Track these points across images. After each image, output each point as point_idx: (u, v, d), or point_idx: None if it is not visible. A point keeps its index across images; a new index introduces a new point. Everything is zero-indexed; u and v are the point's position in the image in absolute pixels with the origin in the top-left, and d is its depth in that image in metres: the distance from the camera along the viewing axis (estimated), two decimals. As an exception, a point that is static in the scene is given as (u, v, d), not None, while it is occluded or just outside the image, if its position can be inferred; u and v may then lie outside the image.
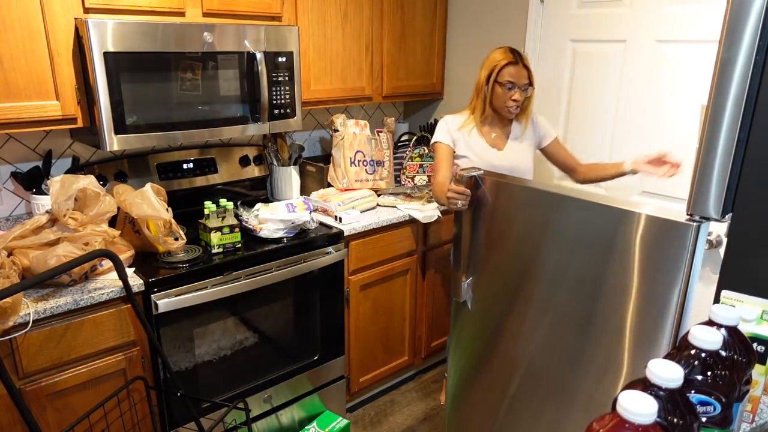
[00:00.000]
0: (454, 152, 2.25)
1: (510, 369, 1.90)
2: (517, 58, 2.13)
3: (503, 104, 2.15)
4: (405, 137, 3.00)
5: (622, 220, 1.52)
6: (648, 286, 1.50)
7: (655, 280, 1.48)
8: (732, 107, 1.31)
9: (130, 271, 1.89)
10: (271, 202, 2.45)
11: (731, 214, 1.36)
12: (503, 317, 1.88)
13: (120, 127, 1.91)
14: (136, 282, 1.84)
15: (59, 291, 1.74)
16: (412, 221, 2.64)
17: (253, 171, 2.69)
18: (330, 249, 2.33)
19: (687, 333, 0.86)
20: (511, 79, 2.11)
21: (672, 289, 1.45)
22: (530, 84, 2.15)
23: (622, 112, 2.43)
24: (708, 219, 1.39)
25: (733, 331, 0.89)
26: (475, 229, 1.90)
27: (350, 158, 2.72)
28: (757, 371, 0.99)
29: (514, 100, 2.12)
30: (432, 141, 2.31)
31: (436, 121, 3.07)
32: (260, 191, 2.76)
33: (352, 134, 2.73)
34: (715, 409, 0.83)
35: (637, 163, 2.04)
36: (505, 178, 1.84)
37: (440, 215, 2.63)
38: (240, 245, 2.14)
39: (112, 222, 1.95)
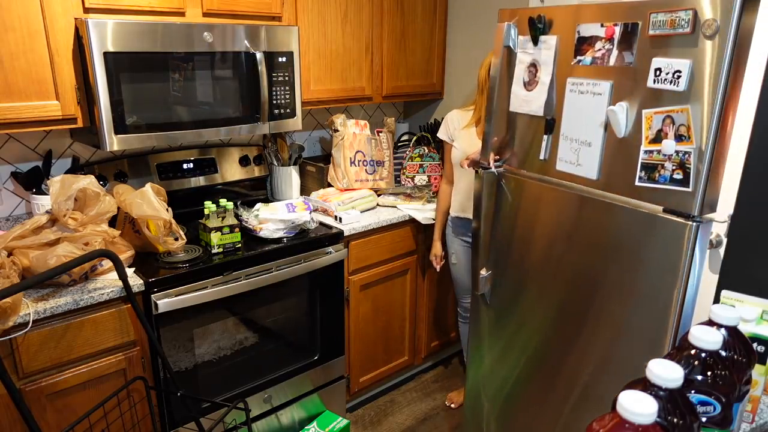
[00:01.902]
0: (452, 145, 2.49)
1: (530, 367, 1.92)
2: None
3: None
4: (405, 137, 2.99)
5: (629, 219, 1.52)
6: (653, 284, 1.50)
7: (658, 279, 1.49)
8: (733, 108, 1.31)
9: (130, 271, 1.89)
10: (271, 202, 2.45)
11: (731, 214, 1.36)
12: (522, 313, 1.91)
13: (120, 127, 1.91)
14: (136, 282, 1.84)
15: (59, 291, 1.74)
16: (412, 221, 2.64)
17: (253, 171, 2.69)
18: (330, 249, 2.33)
19: (687, 333, 0.86)
20: None
21: (672, 289, 1.45)
22: None
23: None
24: (709, 219, 1.39)
25: (733, 331, 0.89)
26: (496, 223, 1.93)
27: (350, 158, 2.71)
28: (757, 371, 0.99)
29: None
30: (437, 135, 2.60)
31: (436, 121, 3.07)
32: (260, 191, 2.76)
33: (352, 134, 2.73)
34: (715, 409, 0.83)
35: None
36: (525, 175, 1.85)
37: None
38: (240, 245, 2.13)
39: (112, 222, 1.95)
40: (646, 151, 1.42)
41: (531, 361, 1.89)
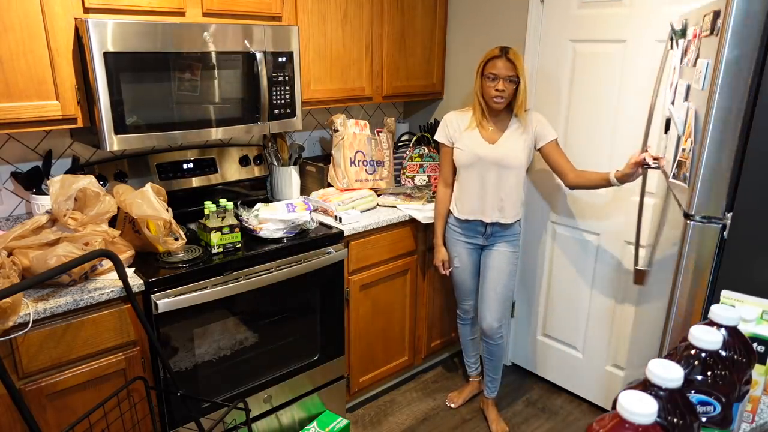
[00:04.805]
0: (453, 147, 2.44)
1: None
2: (502, 52, 2.24)
3: (489, 95, 2.28)
4: (405, 137, 2.99)
5: (672, 216, 1.58)
6: (666, 284, 1.52)
7: (661, 278, 1.50)
8: (733, 107, 1.31)
9: (130, 271, 1.89)
10: (271, 202, 2.45)
11: (731, 214, 1.36)
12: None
13: (120, 127, 1.91)
14: (136, 282, 1.84)
15: (59, 291, 1.74)
16: (412, 221, 2.64)
17: (253, 171, 2.69)
18: (330, 249, 2.33)
19: (687, 333, 0.86)
20: (493, 71, 2.24)
21: (674, 289, 1.46)
22: (516, 76, 2.24)
23: (622, 112, 2.43)
24: (709, 219, 1.39)
25: (733, 331, 0.89)
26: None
27: (350, 158, 2.71)
28: (757, 371, 0.99)
29: (497, 90, 2.24)
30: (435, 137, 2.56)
31: (436, 121, 3.06)
32: (260, 191, 2.76)
33: (352, 134, 2.73)
34: (715, 409, 0.83)
35: (620, 171, 2.10)
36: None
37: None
38: (240, 245, 2.13)
39: (112, 222, 1.95)
40: (682, 149, 1.47)
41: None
